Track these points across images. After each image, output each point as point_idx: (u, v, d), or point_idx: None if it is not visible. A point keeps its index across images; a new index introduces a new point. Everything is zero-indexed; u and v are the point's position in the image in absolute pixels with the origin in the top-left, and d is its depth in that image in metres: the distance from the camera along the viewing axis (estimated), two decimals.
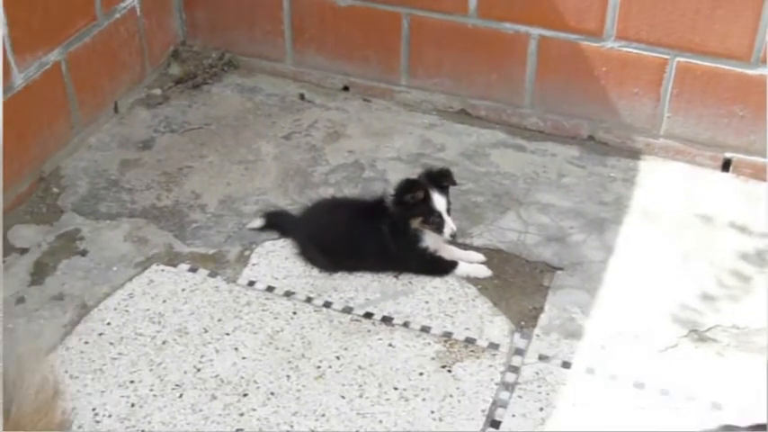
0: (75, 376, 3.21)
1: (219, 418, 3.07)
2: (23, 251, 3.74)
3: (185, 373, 3.23)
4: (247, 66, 4.91)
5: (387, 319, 3.44)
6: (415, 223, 3.52)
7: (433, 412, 3.09)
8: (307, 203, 3.85)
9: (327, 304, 3.51)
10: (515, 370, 3.25)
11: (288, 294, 3.55)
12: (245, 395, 3.15)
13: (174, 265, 3.69)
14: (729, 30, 3.87)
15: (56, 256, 3.72)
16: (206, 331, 3.39)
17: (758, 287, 3.57)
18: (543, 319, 3.44)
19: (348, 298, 3.54)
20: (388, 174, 4.10)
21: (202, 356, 3.29)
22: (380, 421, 3.07)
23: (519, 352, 3.31)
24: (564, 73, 4.26)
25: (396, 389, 3.18)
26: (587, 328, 3.40)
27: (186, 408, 3.10)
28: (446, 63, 4.47)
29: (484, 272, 3.63)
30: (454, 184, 3.61)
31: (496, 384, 3.19)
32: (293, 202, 3.99)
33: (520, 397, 3.15)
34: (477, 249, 3.73)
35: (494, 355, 3.30)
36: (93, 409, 3.09)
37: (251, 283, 3.60)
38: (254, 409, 3.10)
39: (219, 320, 3.43)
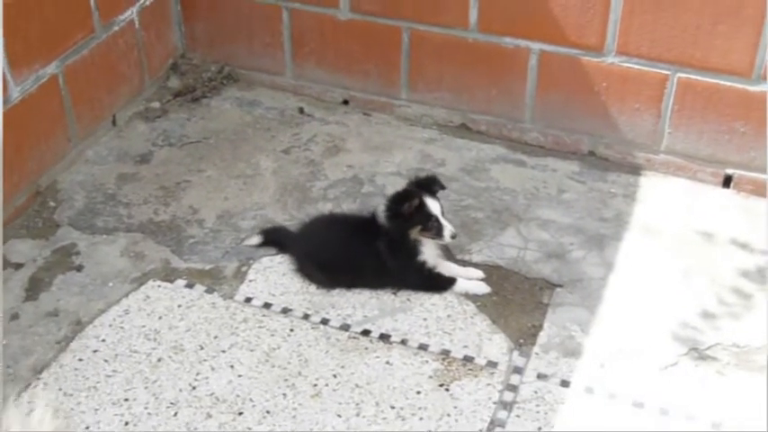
0: (68, 393, 3.18)
1: None
2: (18, 266, 3.72)
3: (180, 390, 3.20)
4: (247, 79, 4.89)
5: (384, 337, 3.41)
6: (414, 233, 3.49)
7: (430, 431, 3.06)
8: (304, 219, 3.84)
9: (325, 321, 3.48)
10: (513, 389, 3.21)
11: (285, 311, 3.52)
12: (241, 414, 3.12)
13: (171, 281, 3.66)
14: (730, 46, 3.85)
15: (51, 271, 3.70)
16: (202, 348, 3.36)
17: (759, 305, 3.55)
18: (542, 336, 3.41)
19: (346, 315, 3.51)
20: (387, 189, 4.06)
21: (198, 374, 3.26)
22: None
23: (517, 370, 3.28)
24: (564, 88, 4.24)
25: (393, 408, 3.14)
26: (587, 347, 3.37)
27: (181, 426, 3.07)
28: (446, 77, 4.45)
29: (483, 288, 3.60)
30: (443, 188, 3.60)
31: (494, 403, 3.16)
32: (291, 217, 3.96)
33: (518, 416, 3.12)
34: (476, 266, 3.70)
35: (492, 373, 3.27)
36: (87, 428, 3.07)
37: (248, 300, 3.57)
38: (249, 428, 3.07)
39: (216, 337, 3.41)
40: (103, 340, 3.40)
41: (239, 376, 3.25)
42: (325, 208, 3.99)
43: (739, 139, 4.02)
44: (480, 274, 3.66)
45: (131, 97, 4.64)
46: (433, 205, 3.47)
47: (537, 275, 3.67)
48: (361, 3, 4.42)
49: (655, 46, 3.98)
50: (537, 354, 3.34)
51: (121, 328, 3.45)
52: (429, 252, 3.55)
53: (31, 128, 3.98)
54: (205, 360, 3.32)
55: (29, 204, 4.01)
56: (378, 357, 3.33)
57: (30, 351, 3.35)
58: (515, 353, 3.35)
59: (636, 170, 4.25)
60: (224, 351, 3.35)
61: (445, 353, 3.35)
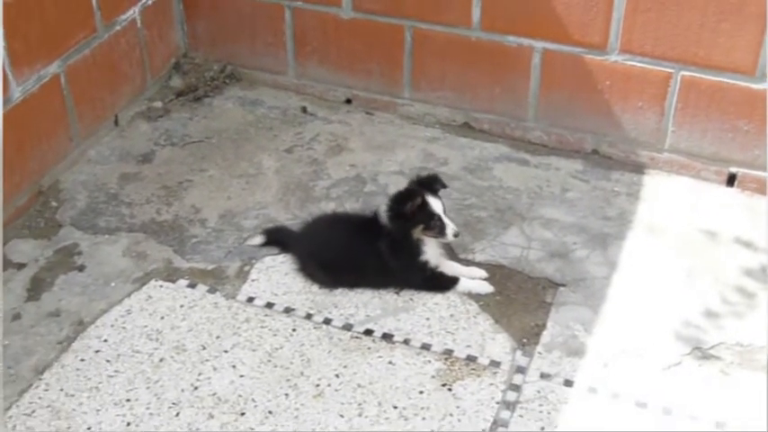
0: (70, 394, 3.18)
1: None
2: (21, 266, 3.71)
3: (182, 391, 3.19)
4: (249, 78, 4.88)
5: (387, 337, 3.40)
6: (417, 232, 3.48)
7: (432, 431, 3.05)
8: (307, 218, 3.82)
9: (327, 321, 3.47)
10: (516, 388, 3.20)
11: (287, 311, 3.51)
12: (243, 414, 3.11)
13: (173, 281, 3.65)
14: (734, 44, 3.84)
15: (53, 271, 3.69)
16: (204, 348, 3.35)
17: (763, 304, 3.53)
18: (545, 336, 3.40)
19: (348, 314, 3.50)
20: (390, 188, 4.05)
21: (200, 374, 3.26)
22: None
23: (520, 370, 3.27)
24: (568, 86, 4.23)
25: (395, 407, 3.14)
26: (590, 346, 3.36)
27: (183, 427, 3.06)
28: (449, 76, 4.44)
29: (486, 288, 3.59)
30: (444, 186, 3.59)
31: (497, 403, 3.15)
32: (294, 216, 3.95)
33: (521, 416, 3.11)
34: (479, 265, 3.69)
35: (495, 373, 3.26)
36: (89, 428, 3.06)
37: (250, 300, 3.57)
38: (251, 429, 3.06)
39: (218, 337, 3.40)
40: (105, 340, 3.39)
41: (241, 376, 3.24)
42: (328, 207, 3.99)
43: (743, 138, 4.01)
44: (483, 273, 3.65)
45: (133, 97, 4.63)
46: (435, 204, 3.46)
47: (540, 275, 3.66)
48: (363, 1, 4.41)
49: (658, 44, 3.97)
50: (540, 353, 3.33)
51: (123, 328, 3.44)
52: (431, 251, 3.54)
53: (33, 127, 3.98)
54: (207, 360, 3.31)
55: (31, 204, 4.00)
56: (380, 357, 3.32)
57: (31, 351, 3.34)
58: (518, 352, 3.34)
59: (639, 169, 4.24)
60: (226, 351, 3.34)
61: (448, 352, 3.34)
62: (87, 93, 4.28)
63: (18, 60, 3.82)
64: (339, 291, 3.60)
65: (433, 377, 3.24)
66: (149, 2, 4.57)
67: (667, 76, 4.02)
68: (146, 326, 3.45)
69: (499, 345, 3.37)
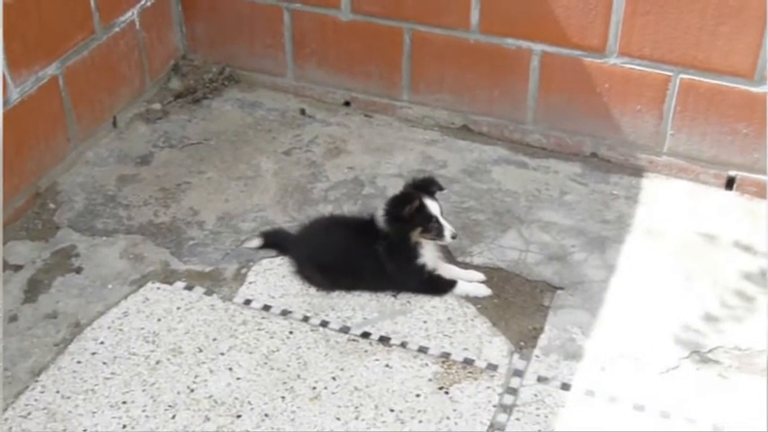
0: (66, 396, 3.17)
1: None
2: (18, 268, 3.71)
3: (179, 393, 3.18)
4: (248, 80, 4.88)
5: (384, 339, 3.40)
6: (415, 235, 3.47)
7: None
8: (305, 221, 3.82)
9: (324, 323, 3.46)
10: (514, 392, 3.20)
11: (284, 313, 3.51)
12: (239, 416, 3.10)
13: (170, 283, 3.65)
14: (733, 47, 3.83)
15: (50, 273, 3.69)
16: (200, 351, 3.35)
17: (762, 308, 3.52)
18: (543, 339, 3.40)
19: (345, 317, 3.49)
20: (388, 190, 4.04)
21: (196, 377, 3.25)
22: None
23: (518, 373, 3.26)
24: (566, 89, 4.22)
25: (392, 411, 3.13)
26: (587, 349, 3.36)
27: (179, 429, 3.06)
28: (448, 78, 4.44)
29: (483, 291, 3.59)
30: (441, 188, 3.58)
31: (494, 406, 3.14)
32: (292, 218, 3.95)
33: (518, 420, 3.10)
34: (477, 268, 3.69)
35: (492, 376, 3.25)
36: (84, 431, 3.06)
37: (247, 302, 3.56)
38: (247, 431, 3.05)
39: (214, 340, 3.39)
40: (102, 342, 3.38)
41: (238, 379, 3.24)
42: (326, 210, 3.98)
43: (742, 141, 4.00)
44: (481, 276, 3.64)
45: (132, 98, 4.63)
46: (432, 206, 3.45)
47: (538, 278, 3.66)
48: (362, 4, 4.41)
49: (657, 47, 3.96)
50: (537, 356, 3.33)
51: (120, 330, 3.44)
52: (429, 254, 3.53)
53: (31, 129, 3.97)
54: (204, 362, 3.30)
55: (28, 206, 4.00)
56: (377, 360, 3.31)
57: (28, 353, 3.34)
58: (516, 356, 3.33)
59: (638, 172, 4.23)
60: (223, 353, 3.34)
61: (445, 356, 3.33)
62: (86, 94, 4.27)
63: (16, 62, 3.81)
64: (336, 293, 3.59)
65: (429, 380, 3.24)
66: (148, 4, 4.57)
67: (666, 79, 4.02)
68: (142, 328, 3.44)
69: (496, 348, 3.36)
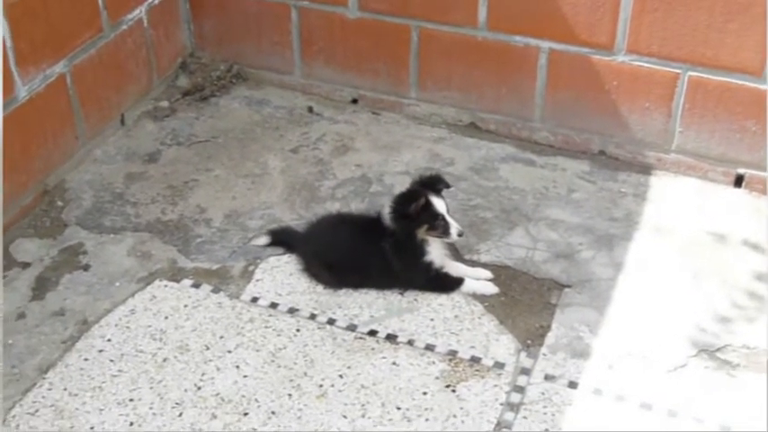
0: (74, 393, 3.18)
1: None
2: (26, 265, 3.71)
3: (186, 391, 3.19)
4: (256, 78, 4.88)
5: (391, 337, 3.39)
6: (421, 233, 3.47)
7: None
8: (312, 219, 3.82)
9: (331, 321, 3.46)
10: (521, 390, 3.19)
11: (291, 311, 3.51)
12: (246, 414, 3.10)
13: (178, 281, 3.65)
14: (742, 44, 3.82)
15: (58, 270, 3.69)
16: (207, 348, 3.35)
17: None
18: (550, 337, 3.39)
19: (352, 315, 3.49)
20: (395, 188, 4.03)
21: (203, 374, 3.25)
22: None
23: (525, 371, 3.26)
24: (574, 87, 4.21)
25: (399, 409, 3.13)
26: (595, 348, 3.35)
27: (186, 427, 3.06)
28: (455, 76, 4.43)
29: (491, 289, 3.58)
30: (448, 186, 3.58)
31: (501, 405, 3.14)
32: (299, 216, 3.95)
33: (525, 418, 3.10)
34: (485, 266, 3.68)
35: (499, 374, 3.25)
36: (91, 428, 3.06)
37: (254, 300, 3.56)
38: (254, 429, 3.05)
39: (221, 337, 3.39)
40: (109, 340, 3.39)
41: (245, 376, 3.24)
42: (333, 207, 3.98)
43: (751, 138, 3.99)
44: (488, 274, 3.63)
45: (140, 96, 4.63)
46: (438, 204, 3.44)
47: (545, 276, 3.65)
48: (369, 1, 4.41)
49: (665, 44, 3.95)
50: (545, 355, 3.32)
51: (127, 327, 3.44)
52: (436, 252, 3.52)
53: (39, 127, 3.98)
54: (211, 360, 3.30)
55: (36, 203, 4.00)
56: (384, 358, 3.31)
57: (35, 350, 3.34)
58: (523, 354, 3.33)
59: (646, 170, 4.22)
60: (230, 351, 3.34)
61: (452, 353, 3.33)
62: (93, 92, 4.27)
63: (24, 60, 3.82)
64: (343, 291, 3.59)
65: (436, 378, 3.23)
66: (156, 1, 4.57)
67: (674, 76, 4.01)
68: (150, 326, 3.45)
69: (504, 346, 3.36)
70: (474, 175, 4.18)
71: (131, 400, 3.16)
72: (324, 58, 4.67)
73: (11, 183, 3.76)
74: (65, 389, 3.20)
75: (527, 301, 3.54)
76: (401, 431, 3.05)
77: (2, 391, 3.13)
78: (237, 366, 3.28)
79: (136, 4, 4.45)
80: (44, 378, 3.24)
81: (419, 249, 3.50)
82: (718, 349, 3.34)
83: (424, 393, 3.18)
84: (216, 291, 3.60)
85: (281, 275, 3.67)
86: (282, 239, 3.79)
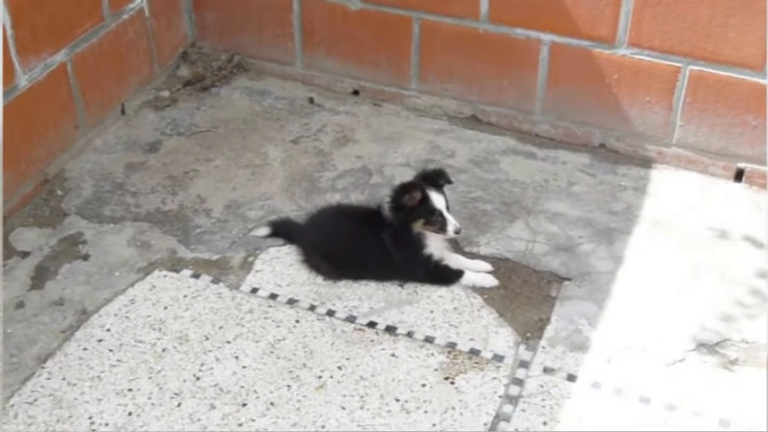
0: (72, 383, 3.18)
1: (218, 428, 3.03)
2: (25, 254, 3.71)
3: (184, 381, 3.19)
4: (257, 68, 4.88)
5: (390, 329, 3.39)
6: (418, 226, 3.47)
7: (434, 425, 3.04)
8: (312, 210, 3.81)
9: (331, 313, 3.46)
10: (519, 383, 3.19)
11: (291, 302, 3.51)
12: (245, 405, 3.10)
13: (177, 271, 3.65)
14: (743, 38, 3.81)
15: (57, 260, 3.69)
16: (207, 339, 3.35)
17: None
18: (549, 330, 3.39)
19: (352, 306, 3.49)
20: (396, 180, 4.02)
21: (202, 365, 3.25)
22: None
23: (524, 364, 3.26)
24: (575, 80, 4.21)
25: (397, 400, 3.13)
26: (594, 341, 3.35)
27: (184, 417, 3.06)
28: (457, 68, 4.43)
29: (490, 281, 3.58)
30: (449, 182, 3.57)
31: (500, 397, 3.14)
32: (299, 207, 3.95)
33: (523, 410, 3.10)
34: (484, 258, 3.68)
35: (498, 367, 3.25)
36: (90, 417, 3.06)
37: (254, 290, 3.56)
38: (252, 420, 3.05)
39: (221, 328, 3.39)
40: (108, 330, 3.39)
41: (244, 367, 3.24)
42: (334, 199, 3.98)
43: (751, 133, 3.99)
44: (488, 266, 3.63)
45: (140, 86, 4.63)
46: (437, 199, 3.44)
47: (545, 268, 3.65)
48: None
49: (667, 38, 3.95)
50: (543, 348, 3.32)
51: (127, 317, 3.44)
52: (435, 244, 3.52)
53: (39, 116, 3.97)
54: (210, 351, 3.30)
55: (36, 192, 4.00)
56: (383, 350, 3.31)
57: (34, 340, 3.34)
58: (522, 346, 3.33)
59: (647, 163, 4.22)
60: (229, 342, 3.34)
61: (451, 346, 3.33)
62: (94, 81, 4.27)
63: (24, 48, 3.81)
64: (343, 282, 3.59)
65: (435, 370, 3.23)
66: None
67: (676, 70, 4.01)
68: (149, 316, 3.45)
69: (503, 338, 3.36)
70: (474, 168, 4.18)
71: (130, 389, 3.16)
72: (325, 49, 4.67)
73: (11, 172, 3.76)
74: (63, 378, 3.20)
75: (526, 294, 3.54)
76: (400, 423, 3.05)
77: (2, 379, 3.13)
78: (237, 357, 3.28)
79: None
80: (43, 367, 3.24)
81: (418, 242, 3.50)
82: (717, 343, 3.34)
83: (423, 385, 3.18)
84: (215, 281, 3.60)
85: (281, 266, 3.67)
86: (282, 230, 3.79)
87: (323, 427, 3.03)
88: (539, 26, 4.17)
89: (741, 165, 4.08)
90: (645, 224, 3.87)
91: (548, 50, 4.20)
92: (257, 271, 3.65)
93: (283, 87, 4.78)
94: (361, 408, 3.10)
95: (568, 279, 3.60)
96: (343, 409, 3.10)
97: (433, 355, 3.29)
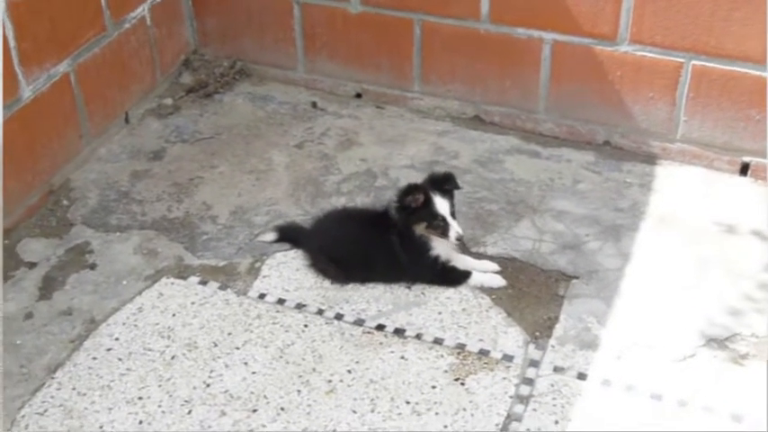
0: (82, 393, 3.18)
1: None
2: (32, 265, 3.71)
3: (194, 388, 3.19)
4: (259, 74, 4.88)
5: (399, 331, 3.39)
6: (420, 229, 3.47)
7: (445, 426, 3.04)
8: (318, 214, 3.81)
9: (339, 316, 3.46)
10: (530, 382, 3.19)
11: (299, 307, 3.50)
12: (255, 411, 3.10)
13: (185, 278, 3.65)
14: (746, 32, 3.81)
15: (65, 270, 3.69)
16: (216, 345, 3.35)
17: None
18: (558, 329, 3.39)
19: (360, 310, 3.49)
20: (400, 182, 4.02)
21: (212, 371, 3.25)
22: None
23: (533, 363, 3.26)
24: (578, 78, 4.21)
25: (408, 403, 3.12)
26: (603, 339, 3.34)
27: (195, 425, 3.06)
28: (459, 69, 4.43)
29: (498, 281, 3.58)
30: (457, 187, 3.55)
31: (510, 397, 3.14)
32: (305, 211, 3.94)
33: (534, 410, 3.09)
34: (491, 258, 3.68)
35: (508, 367, 3.24)
36: (101, 427, 3.06)
37: (262, 296, 3.56)
38: (263, 426, 3.05)
39: (230, 334, 3.39)
40: (117, 338, 3.39)
41: (253, 373, 3.24)
42: (339, 202, 3.98)
43: (755, 127, 3.99)
44: (495, 266, 3.63)
45: (144, 94, 4.63)
46: (440, 204, 3.43)
47: (552, 267, 3.65)
48: None
49: (669, 34, 3.95)
50: (553, 346, 3.32)
51: (135, 326, 3.44)
52: (441, 246, 3.51)
53: (44, 126, 3.98)
54: (219, 357, 3.30)
55: (42, 203, 4.00)
56: (392, 352, 3.31)
57: (44, 350, 3.34)
58: (531, 346, 3.32)
59: (651, 159, 4.22)
60: (238, 348, 3.34)
61: (460, 347, 3.33)
62: (97, 91, 4.27)
63: (28, 60, 3.82)
64: (350, 286, 3.59)
65: (445, 372, 3.23)
66: None
67: (678, 65, 4.00)
68: (157, 323, 3.45)
69: (512, 338, 3.35)
70: (479, 168, 4.18)
71: (140, 398, 3.16)
72: (327, 53, 4.67)
73: (16, 183, 3.77)
74: (73, 388, 3.20)
75: (534, 293, 3.54)
76: (411, 425, 3.04)
77: (2, 392, 3.13)
78: (246, 363, 3.28)
79: (138, 3, 4.46)
80: (53, 378, 3.24)
81: (425, 244, 3.50)
82: (727, 338, 3.33)
83: (433, 387, 3.18)
84: (223, 287, 3.60)
85: (288, 271, 3.67)
86: (289, 235, 3.79)
87: (334, 431, 3.03)
88: (540, 25, 4.17)
89: (746, 159, 4.08)
90: (651, 220, 3.87)
91: (549, 49, 4.20)
92: (264, 276, 3.65)
93: (286, 92, 4.78)
94: (372, 411, 3.10)
95: (576, 277, 3.60)
96: (354, 412, 3.09)
97: (442, 356, 3.29)
